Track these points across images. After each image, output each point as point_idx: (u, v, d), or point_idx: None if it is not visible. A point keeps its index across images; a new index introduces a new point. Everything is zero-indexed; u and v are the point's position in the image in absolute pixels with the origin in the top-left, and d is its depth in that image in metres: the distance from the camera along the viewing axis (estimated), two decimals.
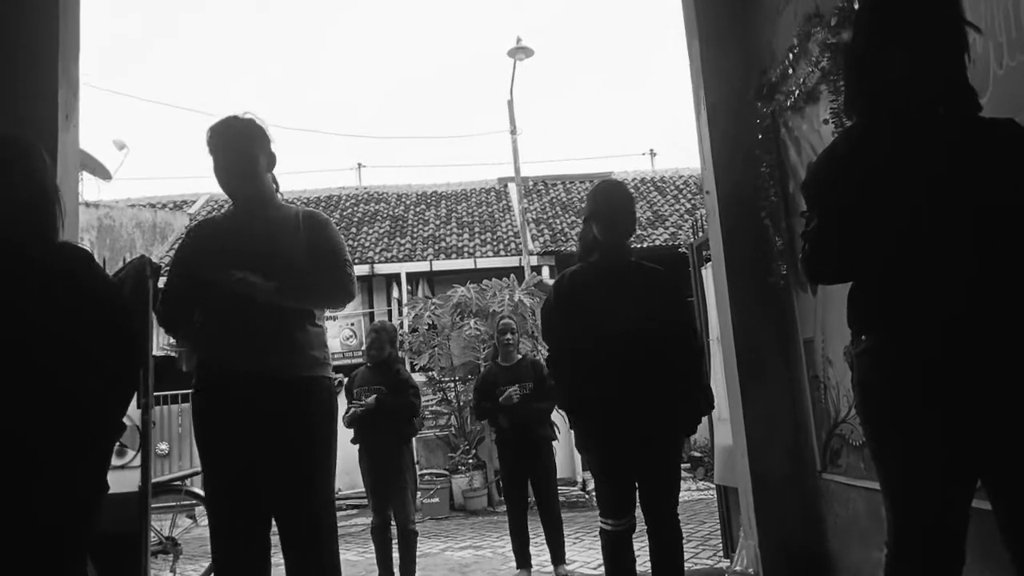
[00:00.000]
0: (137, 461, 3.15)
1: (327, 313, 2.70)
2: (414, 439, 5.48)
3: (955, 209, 1.55)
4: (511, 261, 11.37)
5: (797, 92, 3.17)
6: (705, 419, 3.58)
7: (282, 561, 2.32)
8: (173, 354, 8.31)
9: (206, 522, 2.45)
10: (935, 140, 1.61)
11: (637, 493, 2.75)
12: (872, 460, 1.70)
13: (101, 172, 11.64)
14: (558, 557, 4.51)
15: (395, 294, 11.69)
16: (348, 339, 11.26)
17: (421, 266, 11.76)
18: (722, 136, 3.67)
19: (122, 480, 2.57)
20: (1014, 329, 1.50)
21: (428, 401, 8.41)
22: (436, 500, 8.27)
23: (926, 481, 1.57)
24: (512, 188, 14.04)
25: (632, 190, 10.15)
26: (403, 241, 12.57)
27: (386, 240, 12.64)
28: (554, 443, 4.68)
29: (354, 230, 13.06)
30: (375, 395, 4.35)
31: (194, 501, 4.90)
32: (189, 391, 2.50)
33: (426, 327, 9.47)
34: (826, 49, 2.85)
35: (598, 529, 2.79)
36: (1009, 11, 2.01)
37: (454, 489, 8.55)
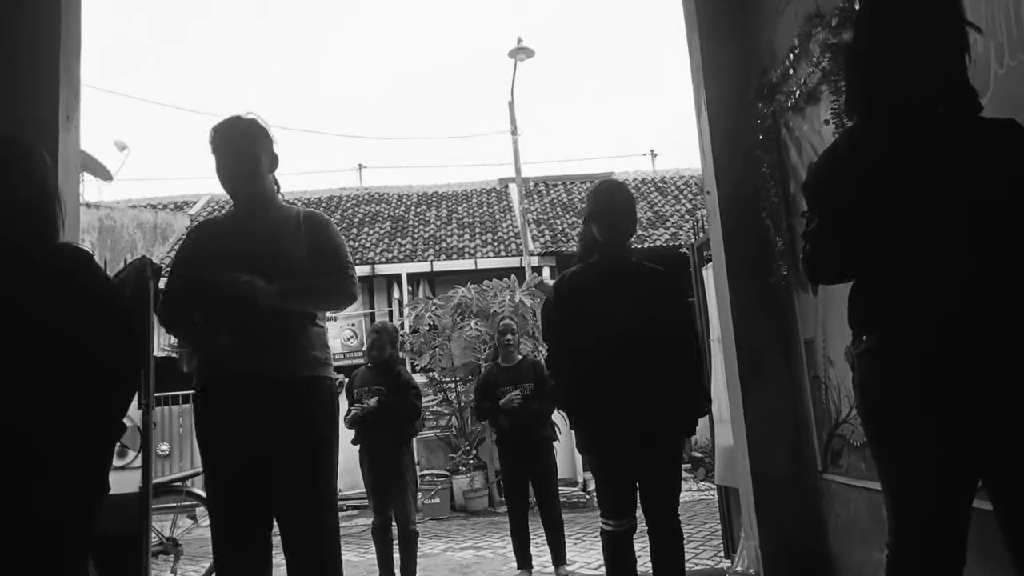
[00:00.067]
0: (138, 462, 3.15)
1: (328, 314, 2.70)
2: (415, 440, 5.49)
3: (956, 209, 1.55)
4: (512, 262, 11.36)
5: (798, 92, 3.16)
6: (706, 419, 3.58)
7: (283, 562, 2.32)
8: (174, 355, 8.30)
9: (207, 523, 2.45)
10: (936, 140, 1.61)
11: (638, 494, 2.74)
12: (873, 460, 1.70)
13: (102, 173, 11.67)
14: (559, 558, 4.51)
15: (396, 295, 11.70)
16: (349, 339, 11.26)
17: (422, 267, 11.77)
18: (722, 136, 3.67)
19: (123, 481, 2.56)
20: (1014, 329, 1.50)
21: (429, 402, 8.41)
22: (437, 501, 8.27)
23: (927, 481, 1.57)
24: (513, 189, 14.05)
25: (633, 190, 10.06)
26: (404, 242, 12.58)
27: (387, 241, 12.65)
28: (555, 443, 4.68)
29: (355, 231, 13.06)
30: (376, 397, 4.36)
31: (195, 502, 4.89)
32: (190, 392, 2.50)
33: (427, 328, 9.48)
34: (827, 49, 2.84)
35: (599, 530, 2.79)
36: (1010, 11, 2.01)
37: (455, 490, 8.55)
